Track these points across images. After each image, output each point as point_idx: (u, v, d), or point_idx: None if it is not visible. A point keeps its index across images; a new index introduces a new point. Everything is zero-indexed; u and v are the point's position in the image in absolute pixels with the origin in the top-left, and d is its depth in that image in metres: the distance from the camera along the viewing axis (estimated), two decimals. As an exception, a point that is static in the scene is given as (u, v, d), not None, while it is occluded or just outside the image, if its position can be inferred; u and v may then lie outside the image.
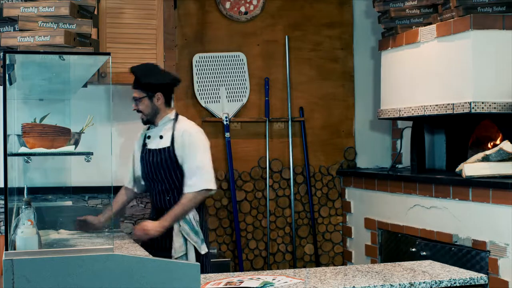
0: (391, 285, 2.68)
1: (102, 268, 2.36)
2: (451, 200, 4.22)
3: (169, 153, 3.85)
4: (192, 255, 3.80)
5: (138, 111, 3.90)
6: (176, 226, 3.81)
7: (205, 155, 3.85)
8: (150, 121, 3.92)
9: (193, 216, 3.84)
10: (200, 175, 3.80)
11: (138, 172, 4.02)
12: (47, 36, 3.43)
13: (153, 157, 3.89)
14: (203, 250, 3.83)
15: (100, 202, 4.74)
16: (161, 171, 3.88)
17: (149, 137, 3.95)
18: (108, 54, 2.71)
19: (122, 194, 4.12)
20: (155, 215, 3.95)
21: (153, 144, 3.92)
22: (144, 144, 3.97)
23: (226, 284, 2.69)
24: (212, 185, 3.82)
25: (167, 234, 3.84)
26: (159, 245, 3.85)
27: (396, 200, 4.82)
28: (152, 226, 3.79)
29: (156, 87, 3.88)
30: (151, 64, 4.01)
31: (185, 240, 3.82)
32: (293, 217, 5.42)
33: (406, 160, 5.36)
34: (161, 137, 3.90)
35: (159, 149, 3.87)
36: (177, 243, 3.81)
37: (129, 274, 2.39)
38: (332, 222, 5.57)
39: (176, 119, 3.93)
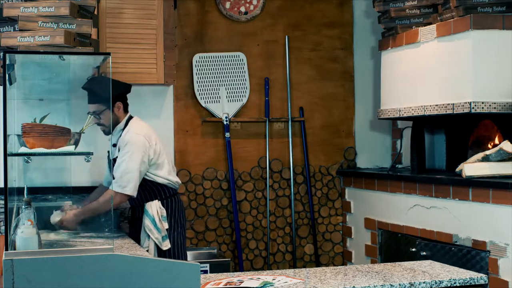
0: (391, 285, 2.68)
1: (102, 268, 2.36)
2: (451, 200, 4.22)
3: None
4: (152, 251, 3.96)
5: (99, 124, 3.94)
6: (143, 224, 4.00)
7: (127, 161, 3.90)
8: (111, 131, 4.00)
9: (157, 212, 4.00)
10: (117, 178, 3.89)
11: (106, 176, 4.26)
12: (47, 36, 3.43)
13: (112, 166, 4.03)
14: (165, 246, 3.99)
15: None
16: None
17: (114, 145, 4.09)
18: (108, 54, 2.71)
19: (96, 191, 4.25)
20: (131, 214, 4.22)
21: (112, 153, 4.05)
22: (108, 153, 4.10)
23: (226, 284, 2.69)
24: (126, 191, 3.87)
25: (138, 232, 4.04)
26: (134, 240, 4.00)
27: (396, 200, 4.82)
28: (67, 218, 3.86)
29: (114, 97, 3.98)
30: (100, 77, 4.05)
31: (148, 235, 3.99)
32: (293, 217, 5.42)
33: (406, 160, 5.36)
34: (114, 145, 4.04)
35: (114, 158, 4.01)
36: (143, 239, 4.01)
37: (129, 274, 2.39)
38: (332, 222, 5.57)
39: (125, 125, 4.03)
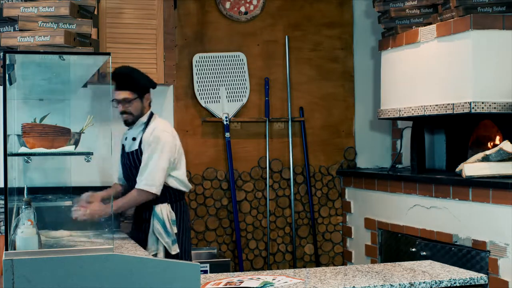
0: (391, 285, 2.68)
1: (102, 268, 2.36)
2: (451, 200, 4.22)
3: (137, 155, 3.93)
4: (161, 255, 3.89)
5: (125, 112, 3.90)
6: (151, 226, 3.91)
7: (157, 158, 3.85)
8: (134, 122, 3.95)
9: (167, 215, 3.92)
10: (142, 175, 3.84)
11: (120, 172, 4.15)
12: (47, 36, 3.43)
13: (126, 159, 3.99)
14: (174, 250, 3.90)
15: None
16: (133, 173, 3.95)
17: (126, 138, 4.03)
18: (108, 54, 2.71)
19: (112, 187, 4.19)
20: (135, 215, 4.10)
21: (128, 147, 4.00)
22: (123, 146, 4.05)
23: (226, 284, 2.69)
24: (150, 189, 3.82)
25: (144, 234, 3.95)
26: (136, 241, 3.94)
27: (396, 200, 4.82)
28: (95, 208, 3.77)
29: (146, 88, 3.94)
30: (131, 67, 4.02)
31: (157, 239, 3.91)
32: (293, 217, 5.42)
33: (406, 160, 5.36)
34: (134, 139, 3.97)
35: (131, 152, 3.95)
36: (150, 241, 3.91)
37: (129, 274, 2.39)
38: (332, 222, 5.57)
39: (149, 120, 3.97)
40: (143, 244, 3.93)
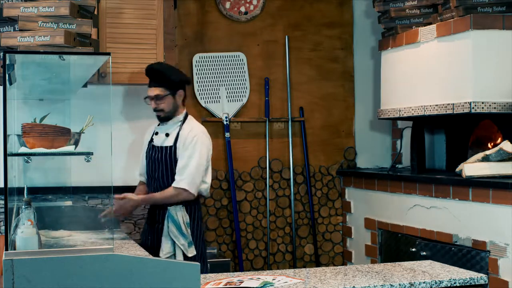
0: (391, 285, 2.68)
1: (102, 268, 2.36)
2: (451, 200, 4.22)
3: (170, 151, 3.88)
4: (180, 258, 3.83)
5: (158, 109, 3.91)
6: (165, 228, 3.86)
7: (198, 158, 3.85)
8: (168, 118, 3.94)
9: (182, 218, 3.87)
10: (183, 175, 3.82)
11: (144, 167, 4.10)
12: (47, 36, 3.43)
13: (156, 154, 3.94)
14: (191, 253, 3.85)
15: (100, 202, 4.74)
16: (160, 168, 3.92)
17: (156, 133, 4.00)
18: (108, 54, 2.71)
19: (141, 186, 4.17)
20: (148, 214, 4.06)
21: (159, 141, 3.96)
22: (151, 140, 4.02)
23: (226, 284, 2.69)
24: (191, 189, 3.81)
25: (157, 235, 3.90)
26: (148, 245, 3.90)
27: (396, 200, 4.82)
28: (133, 197, 3.86)
29: (179, 84, 3.93)
30: (166, 63, 4.04)
31: (173, 242, 3.86)
32: (293, 217, 5.42)
33: (406, 160, 5.36)
34: (167, 135, 3.94)
35: (163, 147, 3.92)
36: (166, 244, 3.86)
37: (129, 274, 2.39)
38: (332, 222, 5.57)
39: (185, 119, 3.96)
40: (156, 245, 3.88)
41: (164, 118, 3.94)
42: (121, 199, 3.87)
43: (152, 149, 3.99)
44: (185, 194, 3.82)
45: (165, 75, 3.88)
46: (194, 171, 3.83)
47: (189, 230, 3.88)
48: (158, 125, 4.01)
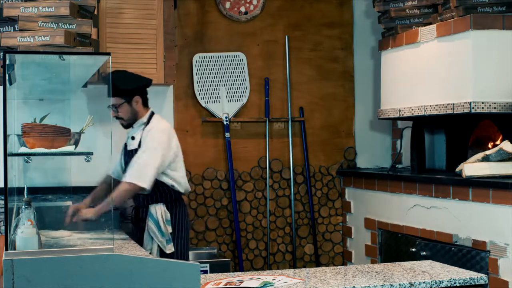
0: (391, 285, 2.68)
1: (102, 268, 2.36)
2: (451, 200, 4.22)
3: (136, 154, 3.97)
4: (155, 254, 3.95)
5: (118, 117, 4.00)
6: (146, 225, 3.98)
7: (151, 156, 3.89)
8: (130, 125, 4.05)
9: (162, 215, 3.98)
10: (131, 170, 3.88)
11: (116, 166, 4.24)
12: (47, 36, 3.43)
13: (128, 158, 4.04)
14: (169, 250, 3.96)
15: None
16: None
17: (133, 138, 4.08)
18: (108, 54, 2.71)
19: (103, 183, 4.25)
20: (134, 214, 4.18)
21: (129, 145, 4.07)
22: (126, 145, 4.13)
23: (226, 284, 2.69)
24: (138, 182, 3.84)
25: (141, 233, 4.03)
26: (135, 240, 3.99)
27: (396, 200, 4.82)
28: (87, 212, 3.86)
29: (133, 91, 4.00)
30: (121, 71, 4.08)
31: (152, 238, 3.98)
32: (293, 217, 5.42)
33: (406, 160, 5.36)
34: (133, 138, 4.05)
35: (131, 150, 4.02)
36: (146, 241, 3.99)
37: (129, 274, 2.39)
38: (332, 222, 5.57)
39: (149, 120, 4.04)
40: (141, 243, 3.99)
41: (126, 125, 4.04)
42: (75, 210, 3.88)
43: (125, 153, 4.11)
44: (132, 187, 3.85)
45: (116, 85, 3.92)
46: (142, 164, 3.87)
47: (169, 228, 3.99)
48: (132, 128, 4.10)
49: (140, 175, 3.85)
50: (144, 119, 4.03)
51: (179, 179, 4.05)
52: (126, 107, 3.97)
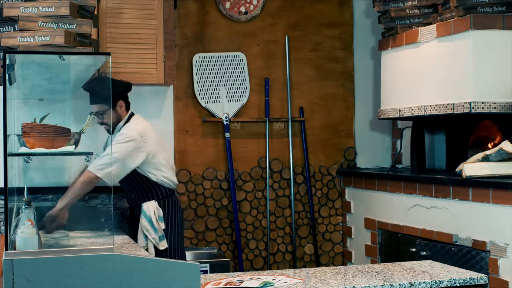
0: (391, 285, 2.68)
1: (102, 268, 2.36)
2: (451, 200, 4.22)
3: None
4: (151, 250, 4.01)
5: (103, 123, 4.03)
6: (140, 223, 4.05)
7: (117, 148, 3.92)
8: (114, 129, 4.09)
9: (154, 212, 4.05)
10: (98, 158, 3.91)
11: None
12: (47, 36, 3.43)
13: None
14: (162, 246, 4.03)
15: (100, 202, 4.74)
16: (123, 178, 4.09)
17: None
18: (108, 54, 2.71)
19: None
20: (129, 213, 4.27)
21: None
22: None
23: (226, 284, 2.69)
24: (98, 173, 3.83)
25: (136, 229, 4.09)
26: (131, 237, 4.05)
27: (396, 200, 4.82)
28: (57, 215, 3.85)
29: (117, 97, 4.04)
30: (100, 77, 4.09)
31: (145, 235, 4.04)
32: (293, 217, 5.42)
33: (406, 160, 5.36)
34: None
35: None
36: (140, 238, 4.05)
37: (129, 274, 2.39)
38: (332, 222, 5.57)
39: (126, 122, 4.10)
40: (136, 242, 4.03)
41: (113, 130, 4.08)
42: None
43: None
44: (87, 175, 3.85)
45: (98, 93, 3.94)
46: (103, 157, 3.91)
47: (161, 224, 4.05)
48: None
49: (99, 164, 3.86)
50: (122, 123, 4.09)
51: (164, 176, 4.12)
52: (110, 113, 4.00)
